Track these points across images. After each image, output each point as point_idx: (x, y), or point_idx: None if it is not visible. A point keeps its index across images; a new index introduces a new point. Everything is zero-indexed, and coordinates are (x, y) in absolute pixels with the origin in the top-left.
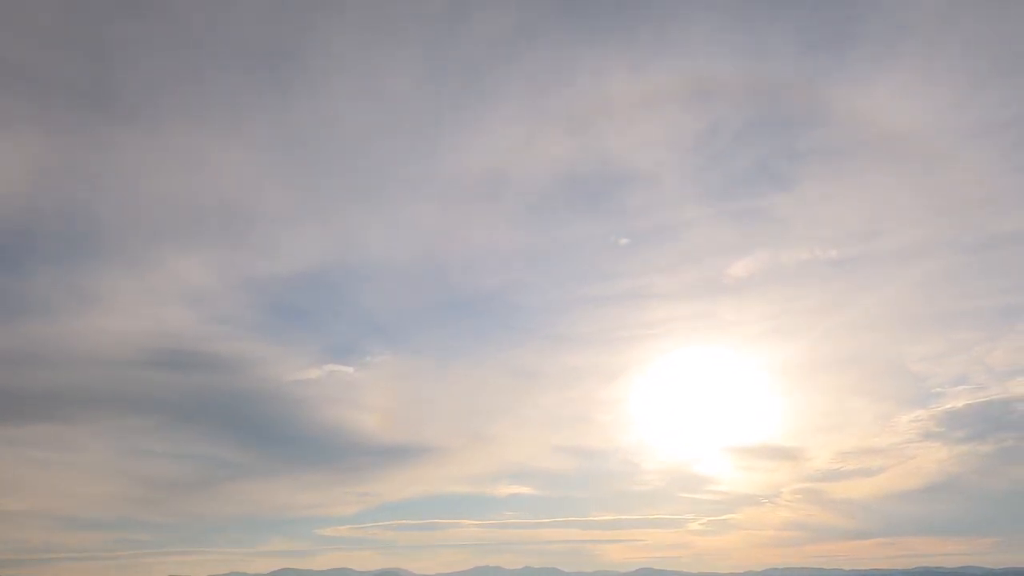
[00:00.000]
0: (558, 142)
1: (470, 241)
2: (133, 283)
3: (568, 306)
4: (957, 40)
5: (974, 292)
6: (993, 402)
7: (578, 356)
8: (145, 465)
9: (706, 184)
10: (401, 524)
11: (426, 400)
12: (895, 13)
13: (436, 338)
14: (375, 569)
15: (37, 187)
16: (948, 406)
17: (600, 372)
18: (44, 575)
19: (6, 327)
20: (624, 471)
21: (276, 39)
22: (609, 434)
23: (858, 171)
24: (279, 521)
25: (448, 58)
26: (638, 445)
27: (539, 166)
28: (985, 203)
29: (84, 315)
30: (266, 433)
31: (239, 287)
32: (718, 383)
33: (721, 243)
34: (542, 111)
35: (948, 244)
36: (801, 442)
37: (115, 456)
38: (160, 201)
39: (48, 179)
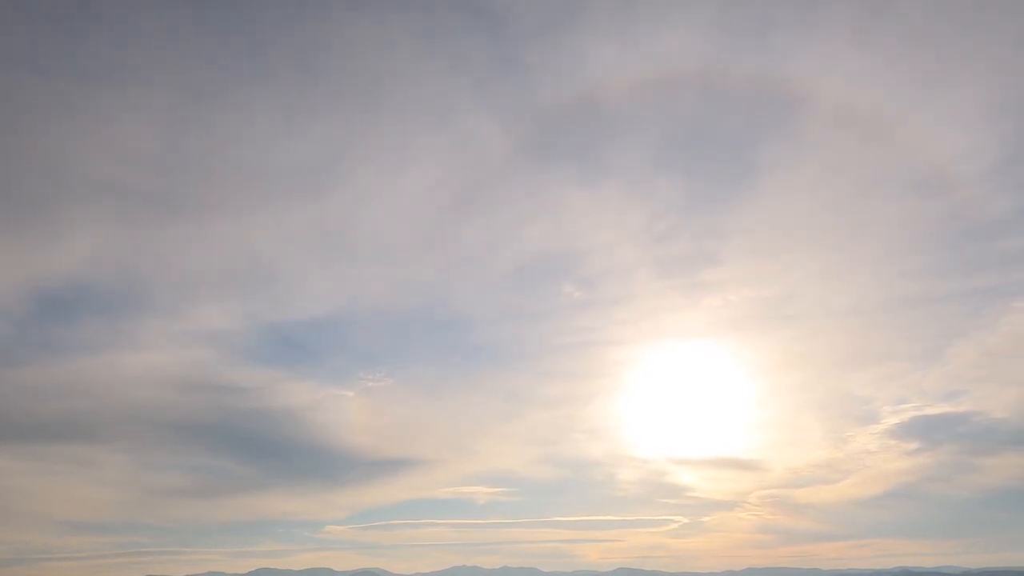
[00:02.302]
0: (535, 226)
1: (465, 298)
2: (166, 327)
3: (546, 348)
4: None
5: (901, 337)
6: (935, 417)
7: (556, 386)
8: (153, 477)
9: (653, 257)
10: (382, 525)
11: (417, 420)
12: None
13: (429, 369)
14: (354, 569)
15: (103, 257)
16: (896, 421)
17: (575, 399)
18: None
19: (55, 365)
20: (600, 480)
21: (313, 156)
22: (585, 448)
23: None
24: (270, 525)
25: (449, 174)
26: (612, 457)
27: (521, 244)
28: (895, 276)
29: (121, 354)
30: (268, 448)
31: (255, 329)
32: (682, 408)
33: (669, 303)
34: (521, 209)
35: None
36: (761, 455)
37: (127, 469)
38: (199, 266)
39: (112, 251)
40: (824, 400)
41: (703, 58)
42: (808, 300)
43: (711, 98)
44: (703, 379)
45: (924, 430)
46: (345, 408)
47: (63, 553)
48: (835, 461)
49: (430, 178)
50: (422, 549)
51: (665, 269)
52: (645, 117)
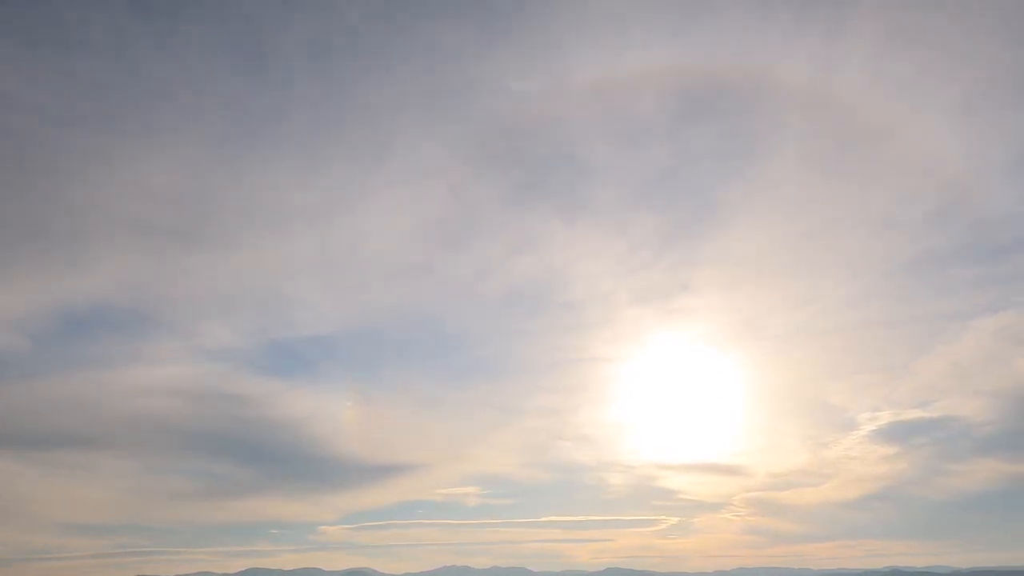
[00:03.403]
0: (523, 257)
1: (458, 320)
2: (178, 344)
3: (534, 365)
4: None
5: (871, 354)
6: (911, 423)
7: (545, 398)
8: (155, 480)
9: (630, 285)
10: (373, 526)
11: (411, 428)
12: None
13: (424, 383)
14: (344, 569)
15: (123, 283)
16: (873, 427)
17: (564, 409)
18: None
19: (71, 379)
20: (589, 483)
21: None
22: (574, 454)
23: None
24: (264, 527)
25: (446, 212)
26: (600, 463)
27: (510, 273)
28: (861, 301)
29: (134, 368)
30: (268, 454)
31: (261, 345)
32: (666, 418)
33: (648, 325)
34: (509, 242)
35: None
36: (743, 461)
37: (129, 474)
38: (211, 290)
39: (132, 278)
40: (801, 409)
41: (667, 122)
42: (779, 322)
43: (680, 142)
44: (685, 392)
45: (900, 436)
46: (343, 418)
47: (57, 554)
48: (815, 466)
49: (428, 215)
50: (413, 549)
51: (642, 296)
52: (619, 164)
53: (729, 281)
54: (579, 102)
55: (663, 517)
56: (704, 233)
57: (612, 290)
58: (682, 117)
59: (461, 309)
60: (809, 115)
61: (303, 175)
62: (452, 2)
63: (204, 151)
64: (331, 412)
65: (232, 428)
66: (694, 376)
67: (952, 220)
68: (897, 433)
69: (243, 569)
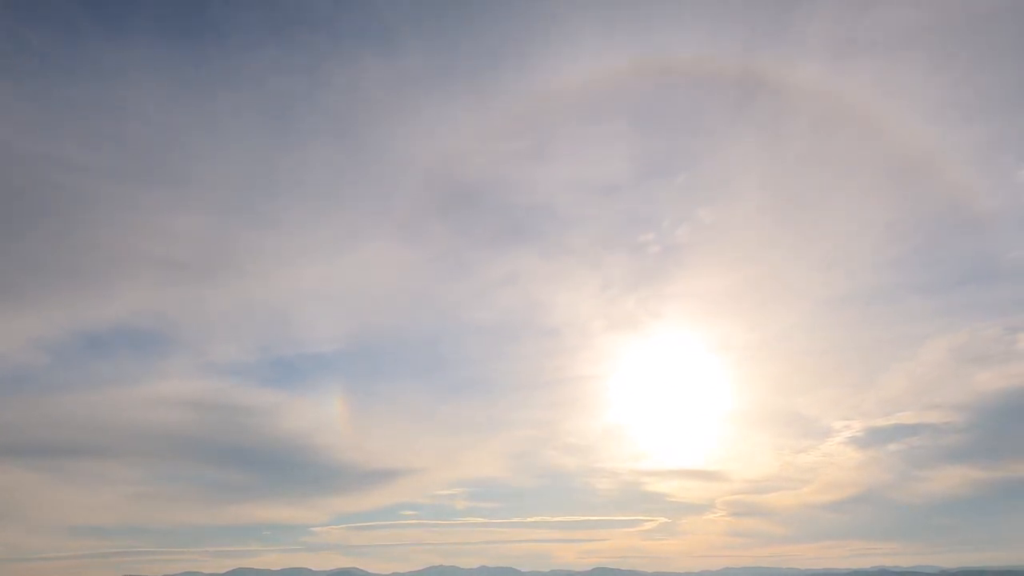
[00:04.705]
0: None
1: (450, 344)
2: (189, 361)
3: (521, 382)
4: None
5: (836, 371)
6: (881, 430)
7: (531, 411)
8: (157, 486)
9: (605, 315)
10: (363, 527)
11: (403, 437)
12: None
13: (418, 398)
14: (332, 569)
15: (141, 308)
16: (848, 434)
17: (549, 421)
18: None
19: (89, 394)
20: (576, 487)
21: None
22: (560, 461)
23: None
24: (259, 528)
25: (441, 249)
26: (586, 470)
27: (497, 304)
28: (823, 329)
29: (147, 384)
30: (267, 461)
31: (266, 361)
32: (647, 428)
33: (624, 349)
34: (497, 277)
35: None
36: (722, 467)
37: (134, 480)
38: (222, 314)
39: (150, 304)
40: (774, 419)
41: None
42: (743, 343)
43: (643, 197)
44: (663, 406)
45: (873, 442)
46: (339, 428)
47: (45, 553)
48: (793, 471)
49: (424, 253)
50: (401, 550)
51: (616, 323)
52: (591, 212)
53: (696, 311)
54: (556, 162)
55: (649, 518)
56: (669, 271)
57: (589, 318)
58: (646, 173)
59: (452, 333)
60: (762, 171)
61: (312, 220)
62: (452, 83)
63: (225, 200)
64: (329, 422)
65: (234, 437)
66: (669, 392)
67: (904, 258)
68: (869, 440)
69: (231, 569)
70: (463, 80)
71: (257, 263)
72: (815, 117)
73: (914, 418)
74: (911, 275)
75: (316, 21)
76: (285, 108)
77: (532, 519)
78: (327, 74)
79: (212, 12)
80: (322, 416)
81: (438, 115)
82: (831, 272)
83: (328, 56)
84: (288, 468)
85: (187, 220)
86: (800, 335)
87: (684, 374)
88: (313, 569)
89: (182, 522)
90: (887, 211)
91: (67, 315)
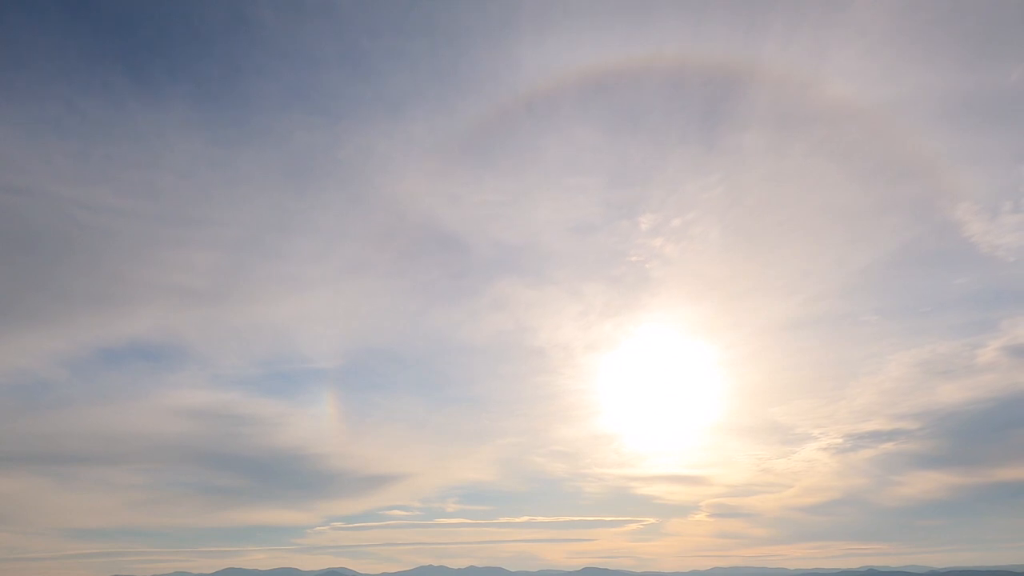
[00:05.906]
0: (497, 315)
1: (442, 364)
2: (199, 375)
3: (510, 396)
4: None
5: (805, 384)
6: (853, 437)
7: (519, 421)
8: (159, 491)
9: (585, 337)
10: (354, 527)
11: (397, 445)
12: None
13: (412, 410)
14: (321, 569)
15: (156, 328)
16: (826, 442)
17: (537, 431)
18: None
19: (104, 405)
20: (564, 490)
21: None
22: (549, 467)
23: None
24: (252, 530)
25: (432, 282)
26: (574, 475)
27: (486, 328)
28: (790, 353)
29: (160, 396)
30: (267, 466)
31: (270, 375)
32: (631, 437)
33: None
34: (485, 304)
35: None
36: (704, 472)
37: (138, 485)
38: (231, 333)
39: (164, 324)
40: (751, 427)
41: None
42: (718, 361)
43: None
44: (644, 416)
45: (846, 448)
46: (336, 438)
47: (37, 553)
48: (773, 475)
49: (418, 281)
50: (391, 550)
51: (596, 345)
52: (570, 249)
53: (672, 333)
54: (539, 207)
55: (636, 519)
56: (642, 299)
57: (571, 339)
58: (617, 213)
59: (445, 353)
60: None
61: (318, 254)
62: (449, 145)
63: (240, 238)
64: (326, 432)
65: (236, 445)
66: (650, 404)
67: (859, 287)
68: (844, 447)
69: (221, 569)
70: (459, 143)
71: (265, 289)
72: (766, 173)
73: (886, 425)
74: (868, 302)
75: (332, 90)
76: (302, 163)
77: (521, 520)
78: (341, 133)
79: (244, 83)
80: (320, 426)
81: (436, 170)
82: (792, 300)
83: (342, 118)
84: (285, 474)
85: (204, 255)
86: (770, 354)
87: (664, 388)
88: (303, 569)
89: (178, 525)
90: (840, 247)
91: (86, 334)
